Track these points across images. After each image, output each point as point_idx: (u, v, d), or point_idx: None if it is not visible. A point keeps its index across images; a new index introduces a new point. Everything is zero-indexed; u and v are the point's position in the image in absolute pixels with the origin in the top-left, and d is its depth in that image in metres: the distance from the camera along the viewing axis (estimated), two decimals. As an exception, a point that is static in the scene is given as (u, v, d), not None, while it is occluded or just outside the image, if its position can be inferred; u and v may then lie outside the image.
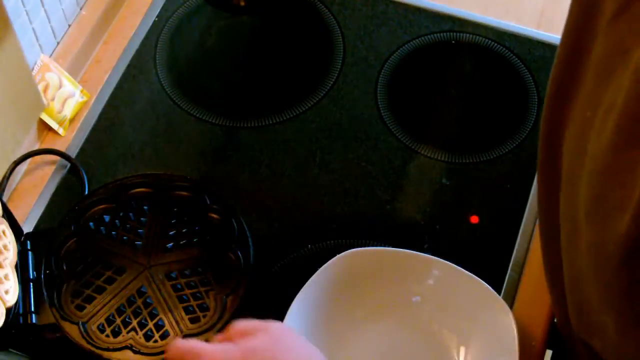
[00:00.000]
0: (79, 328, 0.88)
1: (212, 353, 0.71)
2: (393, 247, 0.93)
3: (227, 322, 0.87)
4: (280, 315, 0.86)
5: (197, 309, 0.89)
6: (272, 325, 0.74)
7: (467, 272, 0.89)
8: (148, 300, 0.90)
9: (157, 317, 0.89)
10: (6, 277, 0.86)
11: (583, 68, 0.61)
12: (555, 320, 0.91)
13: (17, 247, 0.89)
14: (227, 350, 0.71)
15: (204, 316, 0.89)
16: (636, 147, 0.52)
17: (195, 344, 0.73)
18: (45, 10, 1.06)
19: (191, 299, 0.90)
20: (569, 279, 0.69)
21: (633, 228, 0.52)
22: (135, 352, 0.87)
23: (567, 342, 0.80)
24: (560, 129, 0.66)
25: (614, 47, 0.56)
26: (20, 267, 0.90)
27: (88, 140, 1.06)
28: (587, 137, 0.58)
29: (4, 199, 1.00)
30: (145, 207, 0.95)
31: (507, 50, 1.13)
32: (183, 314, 0.89)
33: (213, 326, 0.88)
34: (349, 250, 0.91)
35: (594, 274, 0.59)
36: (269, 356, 0.71)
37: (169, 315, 0.89)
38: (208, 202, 0.95)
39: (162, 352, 0.86)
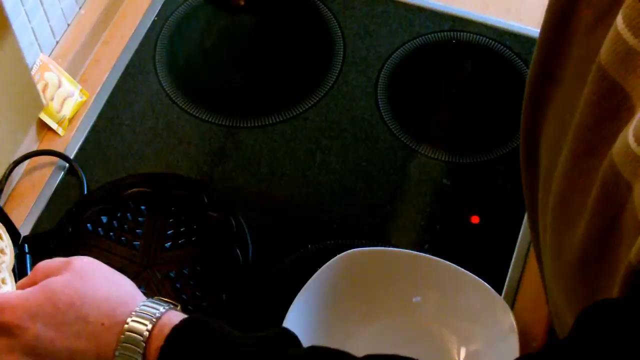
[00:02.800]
0: (77, 328, 0.87)
1: (12, 302, 0.63)
2: (393, 247, 0.92)
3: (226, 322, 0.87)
4: (280, 315, 0.86)
5: (196, 309, 0.89)
6: (76, 260, 0.66)
7: (467, 272, 0.89)
8: (147, 301, 0.89)
9: (156, 318, 0.88)
10: (4, 281, 0.86)
11: (560, 70, 0.61)
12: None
13: (15, 250, 0.89)
14: (28, 296, 0.63)
15: (203, 316, 0.88)
16: (591, 155, 0.52)
17: None
18: (44, 10, 1.05)
19: (190, 298, 0.89)
20: (547, 280, 0.68)
21: (586, 236, 0.52)
22: (134, 352, 0.86)
23: None
24: (538, 128, 0.66)
25: (588, 55, 0.55)
26: (18, 271, 0.89)
27: (87, 140, 1.06)
28: (564, 139, 0.58)
29: (3, 199, 0.99)
30: (142, 207, 0.95)
31: (507, 50, 1.12)
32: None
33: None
34: (349, 250, 0.90)
35: (557, 279, 0.59)
36: (73, 294, 0.63)
37: (168, 315, 0.88)
38: (206, 200, 0.95)
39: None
